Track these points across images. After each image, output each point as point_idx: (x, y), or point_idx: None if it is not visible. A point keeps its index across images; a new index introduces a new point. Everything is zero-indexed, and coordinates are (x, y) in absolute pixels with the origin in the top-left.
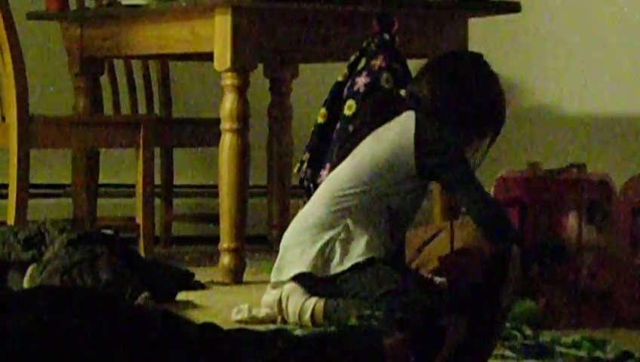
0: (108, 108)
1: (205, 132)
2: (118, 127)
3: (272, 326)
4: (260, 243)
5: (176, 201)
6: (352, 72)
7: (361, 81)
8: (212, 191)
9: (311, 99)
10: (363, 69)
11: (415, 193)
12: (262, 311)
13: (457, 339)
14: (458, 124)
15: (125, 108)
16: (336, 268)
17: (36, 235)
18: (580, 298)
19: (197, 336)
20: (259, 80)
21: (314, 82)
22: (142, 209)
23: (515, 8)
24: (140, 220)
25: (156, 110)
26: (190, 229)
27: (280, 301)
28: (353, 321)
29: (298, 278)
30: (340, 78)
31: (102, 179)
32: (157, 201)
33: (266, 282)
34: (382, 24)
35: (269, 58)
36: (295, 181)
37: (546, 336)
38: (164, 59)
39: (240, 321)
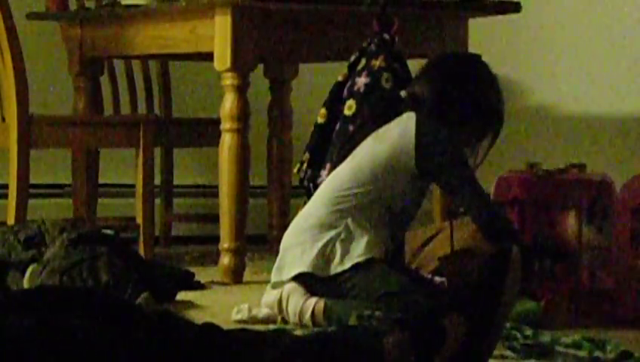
0: (108, 108)
1: (205, 132)
2: (118, 127)
3: (272, 326)
4: (259, 243)
5: (176, 201)
6: (352, 72)
7: (361, 81)
8: (212, 191)
9: (311, 99)
10: (363, 69)
11: (415, 193)
12: (262, 311)
13: (457, 339)
14: (458, 124)
15: (125, 109)
16: (336, 268)
17: (36, 235)
18: (580, 298)
19: (197, 336)
20: (259, 80)
21: (314, 82)
22: (142, 209)
23: (515, 8)
24: (139, 220)
25: (156, 110)
26: (190, 229)
27: (280, 301)
28: (353, 321)
29: (298, 278)
30: (340, 78)
31: (102, 179)
32: (157, 201)
33: (266, 282)
34: (382, 24)
35: (269, 58)
36: (295, 181)
37: (546, 336)
38: (164, 59)
39: (240, 321)
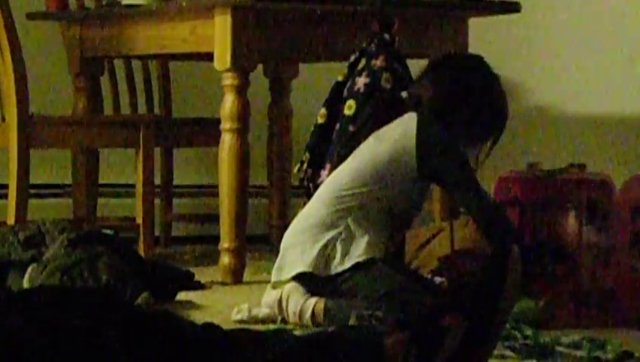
0: (108, 108)
1: (205, 132)
2: (118, 127)
3: (272, 326)
4: (260, 243)
5: (176, 201)
6: (352, 72)
7: (361, 81)
8: (212, 191)
9: (311, 99)
10: (363, 69)
11: (416, 194)
12: (262, 311)
13: (457, 339)
14: (460, 125)
15: (125, 108)
16: (336, 267)
17: (36, 235)
18: (580, 298)
19: (197, 336)
20: (259, 80)
21: (314, 82)
22: (142, 209)
23: (515, 8)
24: (139, 220)
25: (156, 110)
26: (190, 229)
27: (280, 301)
28: (353, 321)
29: (299, 278)
30: (339, 78)
31: (102, 179)
32: (157, 201)
33: (266, 282)
34: (382, 24)
35: (269, 58)
36: (295, 181)
37: (546, 336)
38: (164, 59)
39: (240, 321)
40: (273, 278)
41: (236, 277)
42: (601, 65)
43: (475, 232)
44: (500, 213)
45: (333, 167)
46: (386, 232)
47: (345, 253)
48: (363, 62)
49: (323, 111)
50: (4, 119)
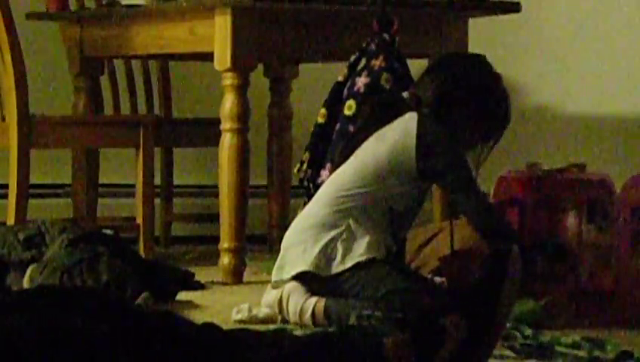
0: (108, 108)
1: (205, 132)
2: (118, 127)
3: (272, 326)
4: (260, 243)
5: (176, 201)
6: (352, 72)
7: (361, 81)
8: (212, 191)
9: (311, 99)
10: (363, 69)
11: (417, 194)
12: (262, 311)
13: (457, 339)
14: (461, 125)
15: (125, 108)
16: (337, 267)
17: (36, 235)
18: (580, 298)
19: (197, 336)
20: (259, 80)
21: (314, 82)
22: (142, 209)
23: (515, 8)
24: (139, 220)
25: (156, 110)
26: (190, 229)
27: (280, 300)
28: (353, 321)
29: (299, 277)
30: (340, 78)
31: (102, 179)
32: (157, 201)
33: (266, 282)
34: (382, 24)
35: (269, 58)
36: (295, 181)
37: (546, 336)
38: (164, 59)
39: (240, 321)
40: (274, 277)
41: (236, 277)
42: (601, 65)
43: (475, 232)
44: (497, 215)
45: (334, 167)
46: (387, 232)
47: (346, 253)
48: (363, 62)
49: (323, 111)
50: (4, 119)
